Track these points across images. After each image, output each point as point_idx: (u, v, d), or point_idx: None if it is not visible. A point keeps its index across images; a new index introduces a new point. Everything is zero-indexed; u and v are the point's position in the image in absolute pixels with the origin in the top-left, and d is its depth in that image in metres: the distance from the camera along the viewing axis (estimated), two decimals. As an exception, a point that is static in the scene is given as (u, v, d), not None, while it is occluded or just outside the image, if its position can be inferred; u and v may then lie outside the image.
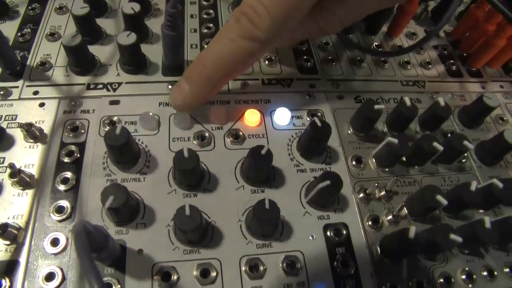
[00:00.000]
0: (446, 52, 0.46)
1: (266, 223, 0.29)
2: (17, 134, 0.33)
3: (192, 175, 0.30)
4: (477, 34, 0.44)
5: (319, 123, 0.32)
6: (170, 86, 0.37)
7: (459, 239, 0.29)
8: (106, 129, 0.33)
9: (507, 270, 0.33)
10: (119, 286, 0.27)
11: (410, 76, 0.43)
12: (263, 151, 0.30)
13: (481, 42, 0.44)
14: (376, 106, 0.34)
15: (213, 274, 0.28)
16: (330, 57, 0.42)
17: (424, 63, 0.44)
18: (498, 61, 0.45)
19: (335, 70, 0.41)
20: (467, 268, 0.32)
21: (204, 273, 0.28)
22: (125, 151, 0.30)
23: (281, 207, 0.31)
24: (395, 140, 0.33)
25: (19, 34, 0.39)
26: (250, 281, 0.29)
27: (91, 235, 0.23)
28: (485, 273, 0.32)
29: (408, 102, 0.35)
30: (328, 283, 0.29)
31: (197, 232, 0.28)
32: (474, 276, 0.32)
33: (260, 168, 0.31)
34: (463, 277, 0.32)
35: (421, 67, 0.44)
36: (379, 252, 0.31)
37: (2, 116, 0.34)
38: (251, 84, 0.38)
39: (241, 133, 0.35)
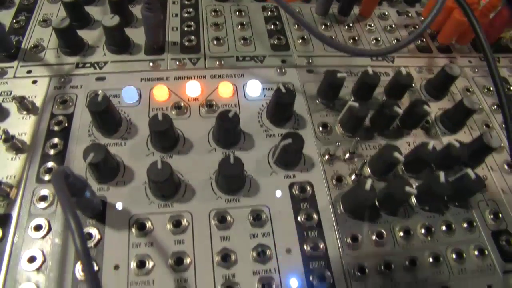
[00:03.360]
0: (415, 29, 0.49)
1: (231, 177, 0.31)
2: (12, 107, 0.36)
3: (166, 137, 0.33)
4: (444, 12, 0.46)
5: (283, 89, 0.35)
6: (151, 64, 0.40)
7: (413, 191, 0.31)
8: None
9: (465, 225, 0.35)
10: (99, 235, 0.30)
11: (381, 51, 0.45)
12: (230, 114, 0.33)
13: (447, 19, 0.46)
14: (339, 74, 0.37)
15: (185, 224, 0.31)
16: (302, 36, 0.45)
17: (395, 39, 0.47)
18: (466, 38, 0.47)
19: (307, 48, 0.44)
20: (427, 223, 0.34)
21: (176, 224, 0.31)
22: (106, 117, 0.33)
23: (250, 167, 0.34)
24: (356, 104, 0.35)
25: (14, 21, 0.42)
26: (218, 231, 0.31)
27: (69, 178, 0.26)
28: (443, 228, 0.34)
29: (370, 71, 0.37)
30: (292, 233, 0.32)
31: (168, 184, 0.31)
32: (433, 230, 0.34)
33: (227, 130, 0.33)
34: (422, 231, 0.34)
35: (390, 44, 0.46)
36: (341, 208, 0.33)
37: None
38: (226, 61, 0.41)
39: (214, 103, 0.38)
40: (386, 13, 0.50)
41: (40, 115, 0.36)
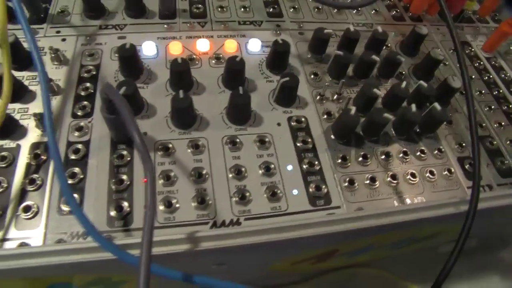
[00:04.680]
0: (391, 2, 0.56)
1: (241, 106, 0.37)
2: (46, 60, 0.42)
3: (184, 78, 0.39)
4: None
5: (280, 41, 0.41)
6: (165, 26, 0.46)
7: (391, 116, 0.38)
8: (116, 55, 0.43)
9: (436, 152, 0.41)
10: (129, 157, 0.36)
11: (360, 20, 0.53)
12: (237, 59, 0.39)
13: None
14: (326, 31, 0.44)
15: (202, 147, 0.37)
16: (293, 6, 0.52)
17: (373, 10, 0.54)
18: (434, 9, 0.55)
19: (298, 15, 0.51)
20: (404, 149, 0.41)
21: (195, 146, 0.37)
22: (132, 62, 0.39)
23: (253, 104, 0.40)
24: (340, 52, 0.42)
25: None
26: (230, 152, 0.37)
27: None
28: (418, 153, 0.41)
29: (352, 28, 0.45)
30: (292, 154, 0.38)
31: (189, 111, 0.37)
32: (409, 154, 0.41)
33: (235, 71, 0.40)
34: (400, 155, 0.40)
35: (369, 14, 0.54)
36: (332, 135, 0.40)
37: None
38: (230, 24, 0.48)
39: (221, 56, 0.44)
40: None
41: (71, 66, 0.42)
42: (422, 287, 0.50)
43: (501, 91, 0.50)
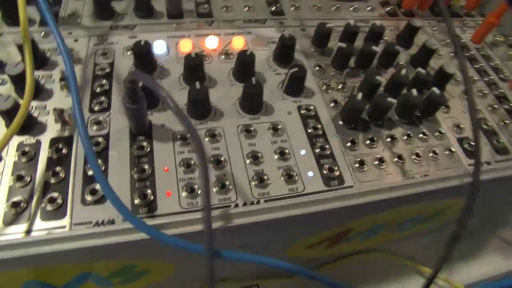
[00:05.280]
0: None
1: (254, 95, 0.39)
2: (59, 59, 0.43)
3: (198, 71, 0.41)
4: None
5: (286, 35, 0.44)
6: (174, 25, 0.48)
7: (394, 100, 0.40)
8: (128, 54, 0.44)
9: (436, 133, 0.44)
10: (149, 147, 0.37)
11: (357, 16, 0.55)
12: (248, 52, 0.41)
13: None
14: (328, 25, 0.46)
15: (219, 136, 0.39)
16: (295, 4, 0.54)
17: (369, 7, 0.57)
18: (425, 4, 0.58)
19: (299, 13, 0.53)
20: (408, 132, 0.43)
21: (212, 135, 0.39)
22: (146, 58, 0.41)
23: (265, 95, 0.42)
24: (343, 44, 0.44)
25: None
26: (246, 139, 0.39)
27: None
28: (420, 135, 0.43)
29: (352, 22, 0.47)
30: (304, 139, 0.40)
31: (205, 102, 0.38)
32: (412, 136, 0.43)
33: (246, 64, 0.42)
34: (404, 137, 0.43)
35: (365, 11, 0.57)
36: (340, 121, 0.42)
37: (46, 48, 0.44)
38: (235, 23, 0.50)
39: (230, 51, 0.46)
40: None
41: (85, 64, 0.43)
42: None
43: (491, 77, 0.53)
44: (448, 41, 0.55)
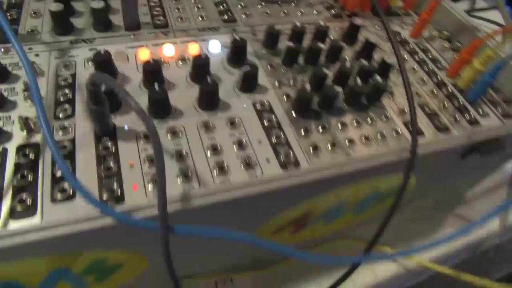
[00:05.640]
0: (328, 3, 0.65)
1: (210, 94, 0.42)
2: (21, 73, 0.45)
3: (157, 75, 0.44)
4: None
5: (238, 38, 0.47)
6: (132, 36, 0.51)
7: (339, 88, 0.44)
8: (90, 64, 0.46)
9: (383, 118, 0.48)
10: (114, 147, 0.39)
11: (306, 20, 0.60)
12: (203, 55, 0.45)
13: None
14: (276, 27, 0.50)
15: (179, 133, 0.41)
16: (245, 12, 0.58)
17: (315, 11, 0.62)
18: (366, 7, 0.63)
19: (250, 20, 0.57)
20: (357, 118, 0.47)
21: (173, 132, 0.41)
22: (107, 67, 0.43)
23: (220, 94, 0.45)
24: (292, 44, 0.48)
25: (7, 14, 0.51)
26: (205, 134, 0.41)
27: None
28: (368, 120, 0.47)
29: (298, 24, 0.51)
30: (260, 131, 0.43)
31: (165, 101, 0.41)
32: (361, 122, 0.47)
33: (201, 66, 0.45)
34: (354, 123, 0.46)
35: (312, 15, 0.61)
36: (293, 112, 0.45)
37: (7, 63, 0.45)
38: (190, 32, 0.53)
39: (186, 57, 0.49)
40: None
41: (47, 76, 0.45)
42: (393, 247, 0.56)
43: (430, 67, 0.58)
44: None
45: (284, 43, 0.52)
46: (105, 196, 0.35)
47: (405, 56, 0.60)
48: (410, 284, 0.65)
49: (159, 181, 0.28)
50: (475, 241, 0.65)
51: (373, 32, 0.62)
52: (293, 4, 0.63)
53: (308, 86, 0.43)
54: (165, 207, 0.28)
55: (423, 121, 0.50)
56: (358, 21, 0.55)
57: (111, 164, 0.38)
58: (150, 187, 0.37)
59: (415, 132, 0.39)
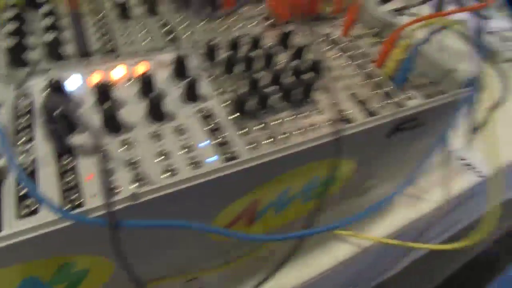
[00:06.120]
0: (265, 15, 0.71)
1: (156, 106, 0.48)
2: (-17, 108, 0.49)
3: (106, 96, 0.49)
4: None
5: (181, 54, 0.53)
6: (85, 63, 0.56)
7: (271, 88, 0.50)
8: (46, 92, 0.51)
9: (317, 111, 0.54)
10: (73, 162, 0.44)
11: (245, 32, 0.66)
12: (147, 73, 0.50)
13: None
14: (213, 41, 0.56)
15: (132, 144, 0.46)
16: (187, 31, 0.64)
17: (253, 24, 0.68)
18: (296, 15, 0.70)
19: (192, 37, 0.63)
20: (293, 113, 0.53)
21: (127, 144, 0.46)
22: (61, 92, 0.48)
23: (167, 105, 0.50)
24: (229, 53, 0.54)
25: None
26: (155, 143, 0.47)
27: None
28: (304, 114, 0.53)
29: (235, 35, 0.57)
30: (204, 135, 0.48)
31: (116, 117, 0.46)
32: (296, 116, 0.53)
33: (147, 82, 0.50)
34: (290, 118, 0.52)
35: (251, 27, 0.68)
36: (233, 115, 0.51)
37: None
38: (139, 53, 0.59)
39: (135, 76, 0.54)
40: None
41: (7, 107, 0.49)
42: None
43: (360, 60, 0.65)
44: (321, 39, 0.67)
45: (224, 54, 0.58)
46: (66, 207, 0.40)
47: (338, 53, 0.66)
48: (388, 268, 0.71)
49: (102, 179, 0.33)
50: (420, 216, 0.72)
51: (305, 35, 0.68)
52: (233, 18, 0.69)
53: (245, 89, 0.49)
54: (111, 201, 0.33)
55: (354, 109, 0.56)
56: (288, 28, 0.62)
57: (71, 177, 0.42)
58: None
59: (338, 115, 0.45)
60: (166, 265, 0.53)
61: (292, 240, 0.49)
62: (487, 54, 1.31)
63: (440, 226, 0.83)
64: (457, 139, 0.93)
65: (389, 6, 0.84)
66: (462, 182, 0.83)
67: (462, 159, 0.90)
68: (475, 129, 0.90)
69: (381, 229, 0.69)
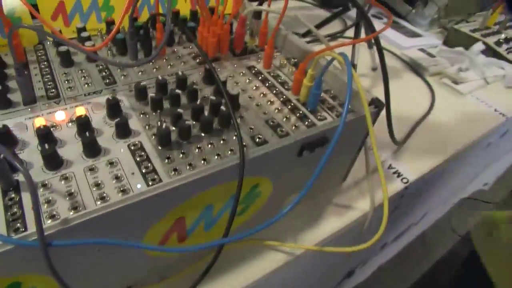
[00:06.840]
0: (194, 53, 0.81)
1: (90, 143, 0.56)
2: None
3: (47, 138, 0.57)
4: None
5: (111, 97, 0.62)
6: (29, 109, 0.64)
7: (191, 122, 0.60)
8: None
9: (234, 137, 0.64)
10: (18, 197, 0.52)
11: (175, 70, 0.76)
12: (83, 116, 0.59)
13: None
14: (142, 83, 0.65)
15: (70, 179, 0.54)
16: (123, 74, 0.73)
17: (182, 62, 0.78)
18: (224, 51, 0.81)
19: (127, 79, 0.73)
20: (211, 141, 0.62)
21: (65, 178, 0.54)
22: (6, 138, 0.56)
23: (102, 143, 0.59)
24: (153, 95, 0.64)
25: None
26: (90, 175, 0.55)
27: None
28: (222, 142, 0.63)
29: (160, 77, 0.67)
30: (133, 166, 0.57)
31: (55, 156, 0.54)
32: (214, 143, 0.62)
33: (83, 124, 0.59)
34: (209, 147, 0.62)
35: (180, 66, 0.78)
36: (159, 147, 0.60)
37: None
38: (78, 97, 0.67)
39: (74, 119, 0.63)
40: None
41: (-39, 155, 0.57)
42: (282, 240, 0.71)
43: (278, 89, 0.76)
44: (244, 72, 0.78)
45: (151, 94, 0.67)
46: (12, 235, 0.48)
47: (258, 84, 0.77)
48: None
49: (34, 208, 0.41)
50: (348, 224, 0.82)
51: (232, 70, 0.79)
52: (164, 59, 0.79)
53: (164, 125, 0.58)
54: (41, 224, 0.41)
55: (267, 133, 0.66)
56: (209, 65, 0.72)
57: (16, 209, 0.50)
58: (49, 221, 0.50)
59: (241, 140, 0.55)
60: (107, 283, 0.61)
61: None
62: (416, 69, 1.46)
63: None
64: (386, 150, 1.06)
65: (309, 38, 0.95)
66: (390, 189, 0.94)
67: (390, 168, 1.01)
68: (398, 143, 1.02)
69: (313, 237, 0.78)
